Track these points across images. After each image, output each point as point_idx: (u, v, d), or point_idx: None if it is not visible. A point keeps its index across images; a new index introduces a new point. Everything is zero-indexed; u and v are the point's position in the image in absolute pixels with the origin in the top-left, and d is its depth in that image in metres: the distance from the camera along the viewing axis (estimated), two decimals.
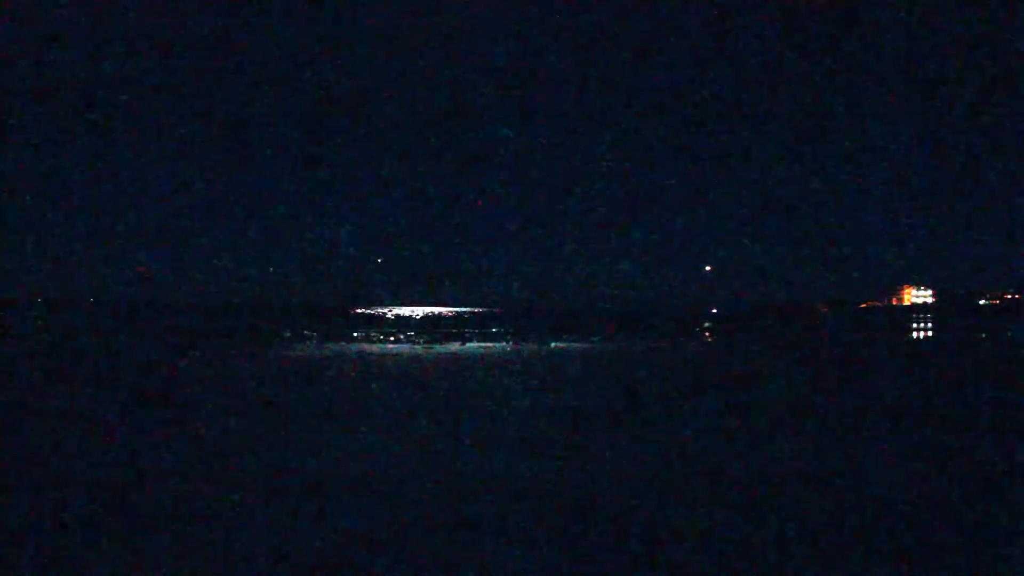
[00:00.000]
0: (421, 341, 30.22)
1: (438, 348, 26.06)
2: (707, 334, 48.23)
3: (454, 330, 44.05)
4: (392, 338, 33.36)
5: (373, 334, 38.75)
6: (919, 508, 5.51)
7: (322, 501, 5.59)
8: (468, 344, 29.10)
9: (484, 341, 31.80)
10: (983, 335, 43.08)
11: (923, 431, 8.88)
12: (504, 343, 30.04)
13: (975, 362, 21.02)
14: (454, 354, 22.80)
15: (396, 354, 22.58)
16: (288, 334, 38.48)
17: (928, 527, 5.05)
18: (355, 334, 38.14)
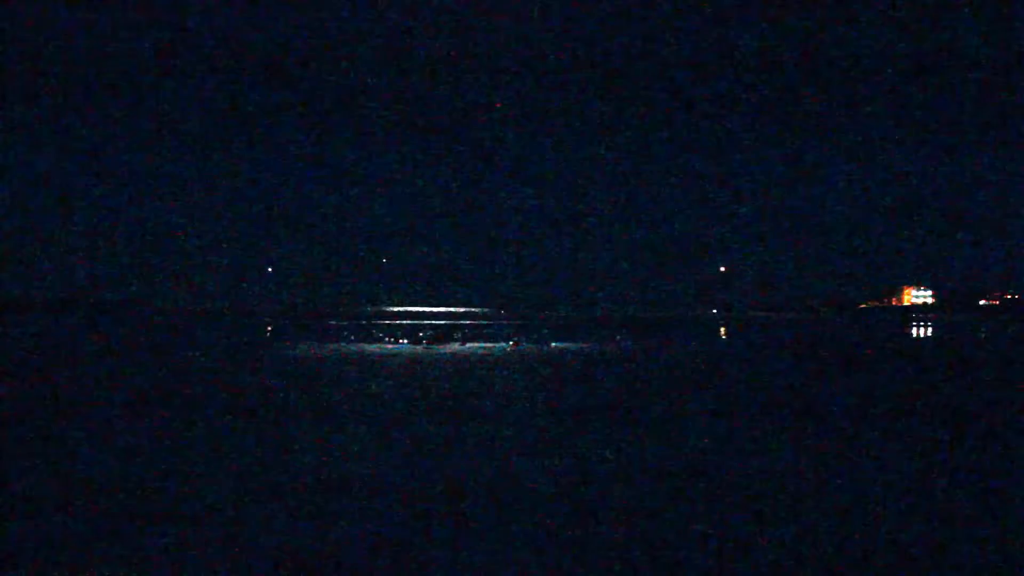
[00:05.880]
0: (421, 341, 30.19)
1: (438, 348, 26.05)
2: (722, 332, 48.46)
3: (454, 330, 44.00)
4: (392, 338, 33.32)
5: (373, 334, 38.72)
6: (919, 508, 5.51)
7: (323, 501, 5.60)
8: (468, 344, 29.07)
9: (484, 341, 31.77)
10: (983, 335, 43.03)
11: (923, 431, 8.88)
12: (504, 343, 30.01)
13: (975, 362, 21.01)
14: (454, 354, 22.78)
15: (396, 354, 22.57)
16: (287, 334, 38.49)
17: (928, 527, 5.06)
18: (354, 335, 38.10)
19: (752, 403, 11.37)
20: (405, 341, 30.36)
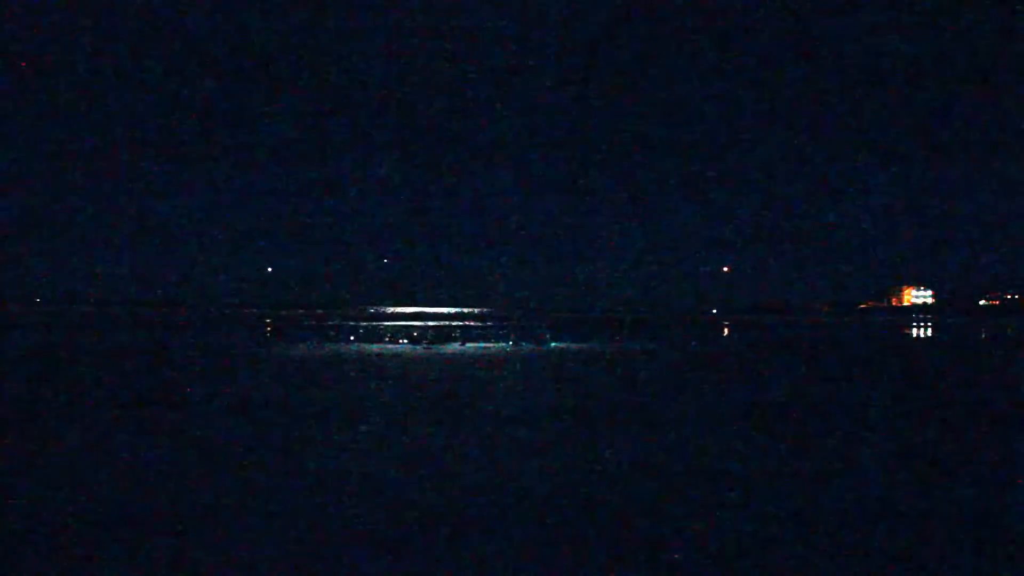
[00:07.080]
0: (421, 341, 30.19)
1: (438, 348, 26.05)
2: (725, 331, 48.63)
3: (454, 330, 43.98)
4: (392, 338, 33.33)
5: (373, 334, 38.73)
6: (918, 508, 5.52)
7: (322, 501, 5.61)
8: (468, 344, 29.07)
9: (484, 341, 31.77)
10: (983, 335, 43.03)
11: (922, 431, 8.89)
12: (504, 343, 30.01)
13: (975, 362, 21.02)
14: (454, 354, 22.80)
15: (396, 354, 22.58)
16: (288, 334, 38.49)
17: (927, 527, 5.06)
18: (354, 334, 38.12)
19: (751, 403, 11.37)
20: (405, 341, 30.34)
